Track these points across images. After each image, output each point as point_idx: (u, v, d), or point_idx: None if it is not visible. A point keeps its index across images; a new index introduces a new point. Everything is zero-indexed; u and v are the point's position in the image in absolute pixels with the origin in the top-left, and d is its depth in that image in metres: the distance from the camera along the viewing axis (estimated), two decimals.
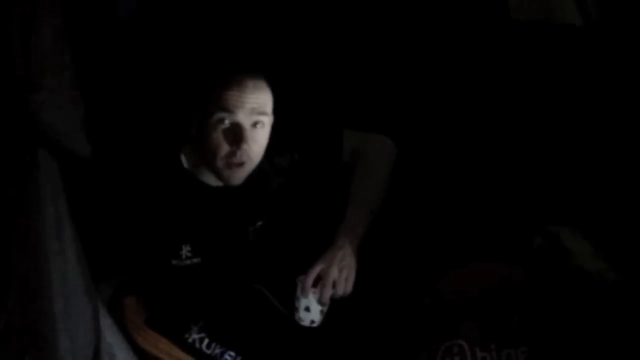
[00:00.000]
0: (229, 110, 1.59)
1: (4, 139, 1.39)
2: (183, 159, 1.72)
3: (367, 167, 1.77)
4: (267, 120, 1.65)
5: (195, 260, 1.71)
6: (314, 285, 1.62)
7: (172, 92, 1.95)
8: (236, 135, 1.59)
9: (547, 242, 1.56)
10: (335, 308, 1.65)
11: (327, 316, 1.65)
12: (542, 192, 1.75)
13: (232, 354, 1.68)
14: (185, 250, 1.70)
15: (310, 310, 1.62)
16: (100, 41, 1.84)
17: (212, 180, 1.71)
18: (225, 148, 1.60)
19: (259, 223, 1.78)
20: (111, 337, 1.50)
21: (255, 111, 1.60)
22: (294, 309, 1.64)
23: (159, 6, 1.99)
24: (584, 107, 1.73)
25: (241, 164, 1.62)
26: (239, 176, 1.65)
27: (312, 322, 1.63)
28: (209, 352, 1.68)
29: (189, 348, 1.68)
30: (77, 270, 1.41)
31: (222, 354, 1.68)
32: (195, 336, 1.69)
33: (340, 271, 1.62)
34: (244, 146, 1.59)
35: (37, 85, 1.41)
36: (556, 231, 1.55)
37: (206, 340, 1.69)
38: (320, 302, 1.62)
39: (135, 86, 1.97)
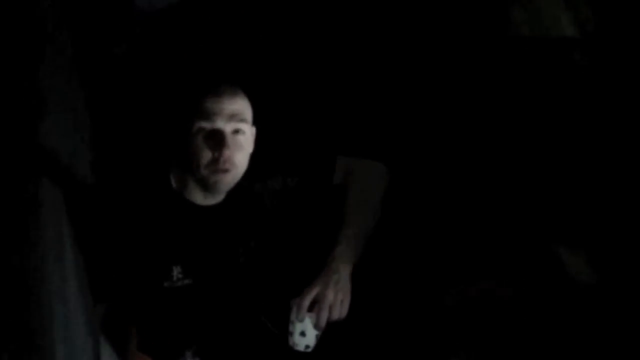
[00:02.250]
0: (207, 117, 1.61)
1: (7, 166, 1.38)
2: (172, 179, 1.71)
3: (359, 191, 1.77)
4: (248, 129, 1.66)
5: (186, 281, 1.68)
6: (310, 309, 1.59)
7: (155, 110, 1.94)
8: (217, 140, 1.60)
9: (549, 263, 1.56)
10: (329, 331, 1.62)
11: (321, 340, 1.62)
12: (544, 210, 1.75)
13: None
14: (177, 272, 1.67)
15: (306, 335, 1.59)
16: (97, 70, 1.82)
17: (199, 199, 1.70)
18: (207, 155, 1.61)
19: (251, 244, 1.76)
20: None
21: (235, 118, 1.62)
22: (287, 334, 1.61)
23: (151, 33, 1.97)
24: (584, 121, 1.73)
25: (225, 170, 1.62)
26: (226, 182, 1.64)
27: (307, 347, 1.60)
28: None
29: None
30: (78, 296, 1.41)
31: None
32: None
33: (336, 294, 1.60)
34: (226, 151, 1.60)
35: (43, 112, 1.42)
36: (558, 251, 1.55)
37: None
38: (316, 326, 1.59)
39: (122, 107, 1.95)
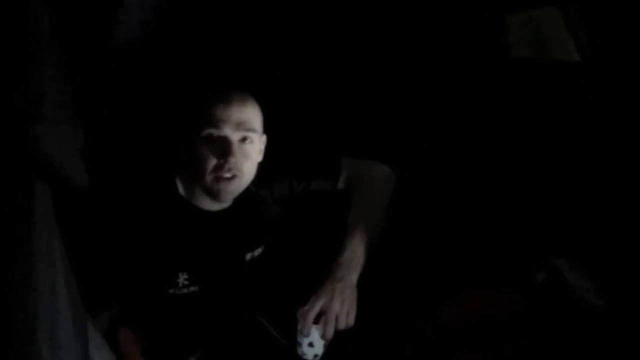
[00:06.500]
0: (215, 125, 1.59)
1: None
2: (178, 185, 1.69)
3: (365, 195, 1.75)
4: (257, 137, 1.64)
5: (192, 288, 1.68)
6: (316, 320, 1.58)
7: (162, 114, 1.93)
8: (223, 148, 1.59)
9: (550, 276, 1.59)
10: (336, 339, 1.61)
11: (328, 347, 1.61)
12: (545, 223, 1.77)
13: None
14: (182, 279, 1.67)
15: (314, 346, 1.59)
16: (96, 71, 1.81)
17: (206, 204, 1.68)
18: (212, 161, 1.59)
19: (257, 251, 1.76)
20: None
21: (242, 127, 1.60)
22: (296, 343, 1.60)
23: (152, 36, 1.96)
24: (583, 140, 1.77)
25: (230, 178, 1.60)
26: (230, 190, 1.62)
27: (316, 356, 1.60)
28: None
29: None
30: (67, 303, 1.38)
31: None
32: None
33: (342, 304, 1.58)
34: (232, 159, 1.58)
35: (37, 115, 1.41)
36: (559, 265, 1.58)
37: None
38: (323, 337, 1.58)
39: (127, 111, 1.95)
